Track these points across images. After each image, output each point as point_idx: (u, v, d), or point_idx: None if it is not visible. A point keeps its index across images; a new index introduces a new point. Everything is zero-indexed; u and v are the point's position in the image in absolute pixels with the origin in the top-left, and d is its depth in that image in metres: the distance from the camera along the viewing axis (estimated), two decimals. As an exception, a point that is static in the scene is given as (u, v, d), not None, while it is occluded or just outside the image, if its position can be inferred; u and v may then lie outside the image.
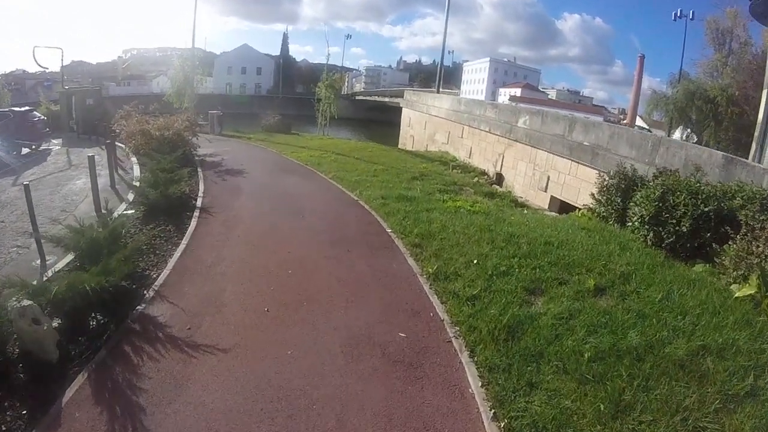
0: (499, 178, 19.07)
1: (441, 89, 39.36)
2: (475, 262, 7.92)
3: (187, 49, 34.35)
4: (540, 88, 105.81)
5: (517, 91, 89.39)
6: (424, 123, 30.10)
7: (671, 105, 34.88)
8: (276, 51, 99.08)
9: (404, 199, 12.14)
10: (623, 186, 10.25)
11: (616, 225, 10.18)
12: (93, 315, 5.98)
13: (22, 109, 24.35)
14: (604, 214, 10.76)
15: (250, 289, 7.23)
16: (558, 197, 15.07)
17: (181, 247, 8.92)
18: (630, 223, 9.52)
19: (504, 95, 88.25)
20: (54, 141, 26.35)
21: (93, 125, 25.18)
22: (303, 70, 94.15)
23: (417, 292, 7.26)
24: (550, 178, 15.51)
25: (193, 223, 10.35)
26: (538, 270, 7.48)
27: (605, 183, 10.77)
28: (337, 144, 24.75)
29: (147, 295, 6.89)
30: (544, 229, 9.83)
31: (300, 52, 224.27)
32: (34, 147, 22.41)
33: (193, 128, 19.01)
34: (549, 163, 15.61)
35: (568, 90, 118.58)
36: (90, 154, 11.86)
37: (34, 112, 24.21)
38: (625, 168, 10.56)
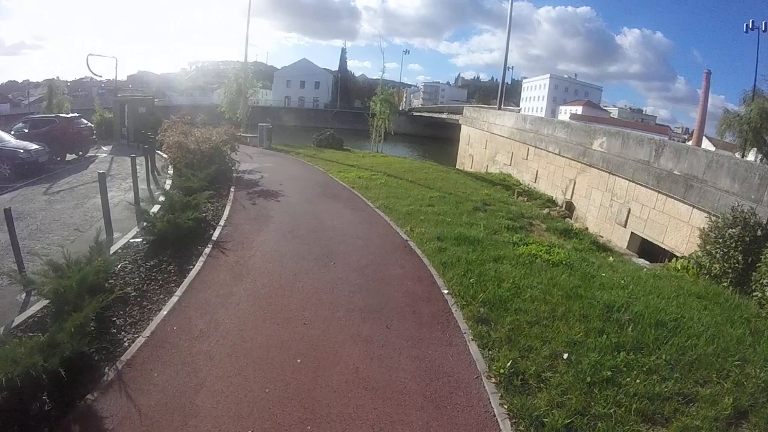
0: (569, 208, 16.08)
1: (501, 106, 36.45)
2: (565, 356, 5.38)
3: (240, 62, 33.58)
4: (601, 106, 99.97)
5: (578, 109, 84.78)
6: (484, 142, 27.27)
7: (745, 125, 30.35)
8: (335, 66, 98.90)
9: (466, 241, 9.40)
10: (747, 238, 7.81)
11: (733, 289, 7.93)
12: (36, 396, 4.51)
13: (69, 115, 23.98)
14: (717, 272, 8.39)
15: (236, 390, 4.77)
16: (640, 234, 12.43)
17: (173, 299, 6.78)
18: (757, 293, 7.42)
19: (564, 113, 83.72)
20: (104, 148, 25.79)
21: (143, 134, 24.55)
22: (361, 85, 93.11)
23: (482, 417, 4.55)
24: (631, 212, 12.82)
25: (199, 264, 8.14)
26: (654, 376, 5.14)
27: (723, 233, 8.25)
28: (390, 163, 22.27)
29: (106, 377, 4.94)
30: (647, 295, 7.26)
31: (358, 67, 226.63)
32: (81, 153, 22.07)
33: (232, 142, 17.13)
34: (630, 194, 12.96)
35: (630, 108, 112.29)
36: (101, 171, 10.21)
37: (81, 119, 23.73)
38: (743, 212, 8.18)
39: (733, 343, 5.80)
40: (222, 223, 10.67)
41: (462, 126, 33.86)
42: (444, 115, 58.31)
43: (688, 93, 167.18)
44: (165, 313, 6.37)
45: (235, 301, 6.80)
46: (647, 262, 10.93)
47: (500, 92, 35.87)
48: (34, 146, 17.36)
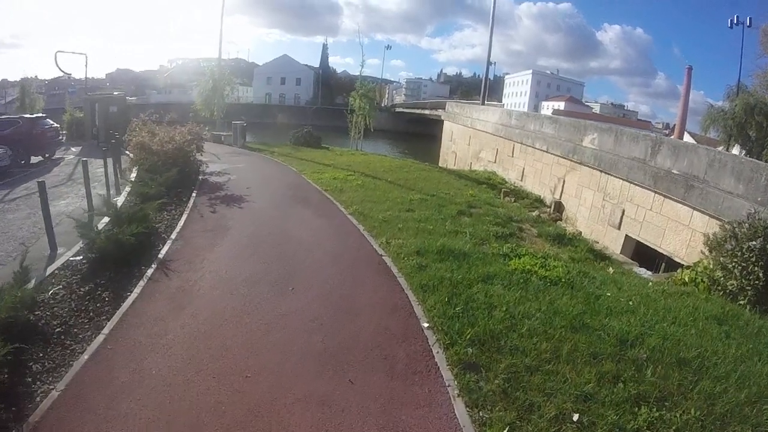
0: (559, 208, 15.02)
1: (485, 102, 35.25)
2: (575, 418, 4.21)
3: (215, 59, 32.06)
4: (583, 102, 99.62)
5: (561, 105, 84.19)
6: (468, 138, 26.10)
7: (730, 120, 29.67)
8: (317, 63, 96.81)
9: (450, 255, 8.08)
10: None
11: (752, 308, 6.95)
12: None
13: (33, 116, 22.82)
14: (733, 288, 7.34)
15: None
16: (635, 237, 11.58)
17: (100, 338, 5.49)
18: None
19: (547, 109, 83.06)
20: (73, 149, 24.28)
21: (110, 134, 23.29)
22: (343, 81, 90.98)
23: None
24: (626, 213, 11.89)
25: (138, 289, 6.80)
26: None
27: (742, 245, 7.19)
28: (369, 162, 20.89)
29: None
30: (660, 321, 6.15)
31: (340, 63, 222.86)
32: (47, 156, 20.95)
33: (197, 142, 15.65)
34: (624, 194, 12.02)
35: (611, 104, 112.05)
36: (40, 180, 9.03)
37: (47, 120, 22.56)
38: (764, 221, 7.23)
39: (765, 386, 4.70)
40: (174, 236, 9.26)
41: (444, 122, 32.70)
42: (426, 111, 56.95)
43: (668, 88, 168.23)
44: (86, 357, 5.08)
45: (168, 342, 5.44)
46: (649, 273, 9.96)
47: (483, 87, 34.77)
48: None
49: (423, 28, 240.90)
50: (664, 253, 10.51)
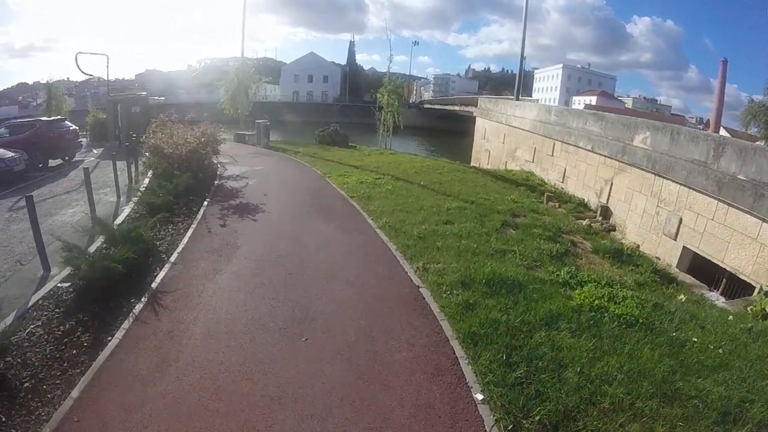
0: (605, 213, 13.27)
1: (503, 97, 33.18)
2: None
3: (246, 58, 31.14)
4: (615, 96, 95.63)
5: (593, 99, 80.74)
6: (502, 136, 24.20)
7: None
8: (343, 60, 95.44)
9: (501, 287, 6.46)
10: None
11: None
12: None
13: (51, 118, 22.31)
14: None
15: None
16: (693, 249, 10.01)
17: (66, 405, 4.34)
18: None
19: (578, 104, 79.71)
20: (94, 151, 23.71)
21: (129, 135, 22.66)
22: (370, 78, 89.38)
23: None
24: (683, 222, 10.28)
25: (120, 334, 5.54)
26: None
27: None
28: (399, 162, 19.31)
29: None
30: (760, 378, 4.81)
31: (367, 61, 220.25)
32: (66, 158, 20.43)
33: (212, 144, 14.39)
34: (682, 201, 10.40)
35: (644, 98, 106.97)
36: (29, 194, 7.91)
37: (65, 122, 22.02)
38: None
39: None
40: (174, 257, 7.95)
41: (477, 118, 30.72)
42: (456, 107, 54.96)
43: (700, 82, 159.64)
44: (48, 433, 3.80)
45: (143, 419, 4.07)
46: (723, 299, 8.60)
47: (517, 82, 32.63)
48: (9, 154, 15.51)
49: (449, 24, 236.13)
50: (727, 268, 9.00)
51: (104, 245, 7.86)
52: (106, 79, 28.96)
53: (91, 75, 29.72)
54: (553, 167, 17.54)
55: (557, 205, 13.84)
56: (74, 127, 21.96)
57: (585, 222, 12.26)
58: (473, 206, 11.58)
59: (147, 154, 14.77)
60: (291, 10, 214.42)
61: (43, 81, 39.59)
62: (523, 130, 21.07)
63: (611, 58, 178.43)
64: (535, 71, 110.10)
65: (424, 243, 8.55)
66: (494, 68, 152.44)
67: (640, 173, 12.01)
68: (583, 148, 15.21)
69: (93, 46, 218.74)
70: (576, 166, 15.80)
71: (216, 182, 14.19)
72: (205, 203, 11.57)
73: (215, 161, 15.26)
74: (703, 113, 73.67)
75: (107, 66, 27.35)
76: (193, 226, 9.79)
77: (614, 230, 12.65)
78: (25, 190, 13.87)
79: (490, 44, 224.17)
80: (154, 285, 6.83)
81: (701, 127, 65.61)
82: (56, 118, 22.61)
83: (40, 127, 19.77)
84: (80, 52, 26.59)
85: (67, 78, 53.47)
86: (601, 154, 14.03)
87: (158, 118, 19.63)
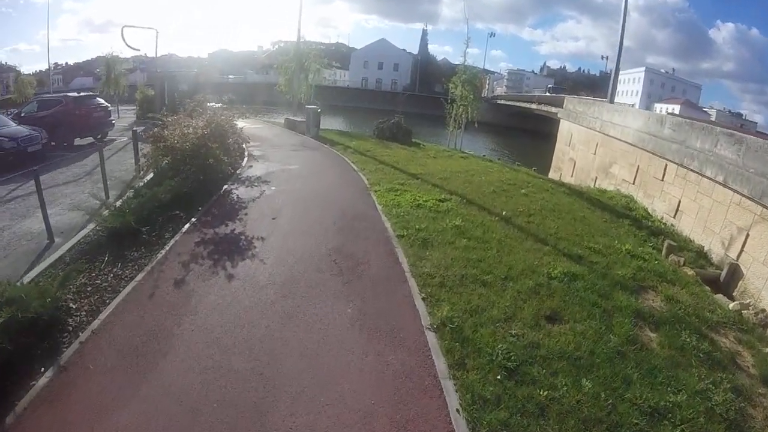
0: (734, 273, 8.51)
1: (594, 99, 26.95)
2: None
3: (315, 42, 27.84)
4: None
5: (676, 108, 70.36)
6: (593, 145, 18.76)
7: None
8: (414, 50, 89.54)
9: None
10: None
11: None
12: None
13: (79, 95, 19.55)
14: None
15: None
16: None
17: None
18: None
19: (660, 111, 69.93)
20: (136, 129, 21.05)
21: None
22: (442, 68, 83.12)
23: None
24: None
25: None
26: None
27: None
28: (472, 172, 14.31)
29: None
30: None
31: (439, 52, 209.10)
32: (98, 137, 18.66)
33: (220, 138, 10.27)
34: None
35: (729, 111, 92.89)
36: None
37: (95, 99, 19.51)
38: None
39: None
40: (69, 353, 4.05)
41: (561, 121, 25.11)
42: (533, 106, 48.39)
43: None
44: None
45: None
46: None
47: (612, 81, 26.32)
48: (24, 133, 13.77)
49: (524, 18, 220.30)
50: None
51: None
52: (186, 56, 26.41)
53: (138, 49, 27.36)
54: (663, 196, 12.46)
55: (681, 261, 8.88)
56: (105, 103, 19.33)
57: (733, 305, 7.18)
58: (584, 271, 6.82)
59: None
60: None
61: (121, 56, 38.12)
62: (622, 141, 15.74)
63: (692, 65, 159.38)
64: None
65: (522, 390, 3.97)
66: (570, 67, 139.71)
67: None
68: (709, 178, 10.13)
69: (168, 24, 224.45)
70: (696, 200, 10.78)
71: (225, 186, 10.25)
72: (185, 227, 7.60)
73: (245, 151, 11.27)
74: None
75: (156, 41, 24.49)
76: (139, 277, 5.84)
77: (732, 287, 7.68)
78: (30, 175, 11.65)
79: (566, 41, 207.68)
80: (19, 408, 3.03)
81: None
82: (86, 94, 20.28)
83: (66, 104, 17.53)
84: (126, 26, 23.86)
85: (145, 54, 52.41)
86: (735, 191, 8.99)
87: (193, 98, 16.35)
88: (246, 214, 8.43)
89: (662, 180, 12.68)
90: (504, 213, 9.58)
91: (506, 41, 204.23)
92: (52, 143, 15.74)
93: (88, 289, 5.64)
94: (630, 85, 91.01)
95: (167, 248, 6.82)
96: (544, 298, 5.80)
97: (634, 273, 7.26)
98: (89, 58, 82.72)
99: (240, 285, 5.78)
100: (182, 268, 6.20)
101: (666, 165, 12.53)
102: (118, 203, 8.29)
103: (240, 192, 9.98)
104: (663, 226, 11.37)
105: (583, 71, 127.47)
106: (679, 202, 11.63)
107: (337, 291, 5.73)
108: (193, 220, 8.03)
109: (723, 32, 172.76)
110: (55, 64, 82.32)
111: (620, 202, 13.31)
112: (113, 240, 7.03)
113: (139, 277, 5.91)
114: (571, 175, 20.48)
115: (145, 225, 7.52)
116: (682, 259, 9.05)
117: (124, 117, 26.32)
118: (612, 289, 6.41)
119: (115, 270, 6.13)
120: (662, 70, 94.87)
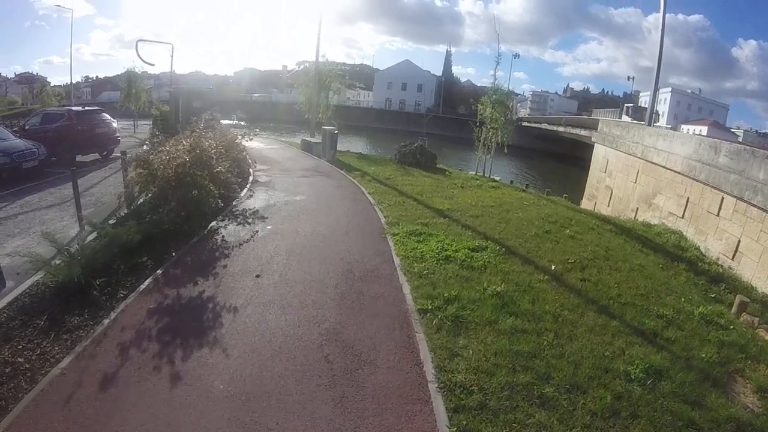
0: None
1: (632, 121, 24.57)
2: None
3: (340, 63, 27.06)
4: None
5: (703, 130, 66.92)
6: (634, 173, 16.49)
7: None
8: (438, 72, 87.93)
9: None
10: None
11: None
12: None
13: (84, 109, 18.64)
14: None
15: None
16: None
17: None
18: None
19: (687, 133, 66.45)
20: (146, 148, 19.87)
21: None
22: (466, 90, 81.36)
23: None
24: None
25: None
26: None
27: None
28: (505, 204, 12.16)
29: None
30: None
31: (462, 73, 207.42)
32: (104, 153, 17.75)
33: (207, 168, 8.40)
34: None
35: (756, 132, 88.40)
36: None
37: (101, 114, 18.24)
38: None
39: None
40: None
41: (596, 145, 22.82)
42: (560, 128, 45.94)
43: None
44: None
45: None
46: None
47: (651, 103, 24.26)
48: (20, 148, 13.16)
49: (546, 40, 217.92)
50: None
51: None
52: (213, 74, 25.61)
53: (153, 64, 26.34)
54: (718, 233, 10.65)
55: (755, 321, 6.90)
56: (111, 119, 18.15)
57: None
58: (665, 361, 4.83)
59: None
60: (388, 20, 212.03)
61: (151, 72, 37.60)
62: (668, 169, 13.61)
63: (715, 84, 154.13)
64: (640, 94, 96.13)
65: None
66: (592, 88, 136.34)
67: None
68: (775, 215, 8.12)
69: (196, 42, 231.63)
70: (759, 241, 9.16)
71: (213, 223, 8.43)
72: (145, 284, 5.76)
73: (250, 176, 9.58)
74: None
75: (172, 55, 23.50)
76: (64, 363, 4.14)
77: None
78: (15, 195, 10.85)
79: (588, 63, 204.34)
80: None
81: None
82: (90, 108, 19.34)
83: (69, 118, 16.47)
84: (141, 40, 22.79)
85: (173, 70, 52.41)
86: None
87: (199, 116, 14.95)
88: (225, 267, 6.51)
89: (718, 215, 10.74)
90: (554, 268, 7.48)
91: (528, 63, 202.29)
92: (53, 158, 14.66)
93: (7, 370, 4.02)
94: (657, 106, 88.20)
95: (113, 316, 4.99)
96: (627, 422, 3.73)
97: (717, 352, 5.28)
98: (119, 73, 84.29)
99: (185, 396, 3.81)
100: (119, 355, 4.31)
101: (722, 198, 10.58)
102: (73, 248, 6.52)
103: (228, 232, 8.12)
104: (721, 270, 9.48)
105: (606, 92, 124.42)
106: (738, 241, 9.76)
107: (325, 417, 3.69)
108: (159, 272, 6.18)
109: (746, 50, 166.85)
110: (86, 77, 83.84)
111: (670, 240, 11.31)
112: (58, 296, 5.34)
113: (65, 362, 4.11)
114: (608, 205, 18.29)
115: (102, 275, 5.83)
116: (756, 319, 7.10)
117: (141, 132, 25.33)
118: (702, 387, 4.50)
119: (45, 343, 4.47)
120: (688, 91, 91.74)
